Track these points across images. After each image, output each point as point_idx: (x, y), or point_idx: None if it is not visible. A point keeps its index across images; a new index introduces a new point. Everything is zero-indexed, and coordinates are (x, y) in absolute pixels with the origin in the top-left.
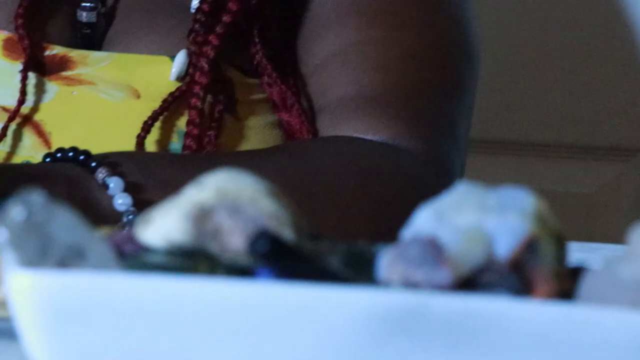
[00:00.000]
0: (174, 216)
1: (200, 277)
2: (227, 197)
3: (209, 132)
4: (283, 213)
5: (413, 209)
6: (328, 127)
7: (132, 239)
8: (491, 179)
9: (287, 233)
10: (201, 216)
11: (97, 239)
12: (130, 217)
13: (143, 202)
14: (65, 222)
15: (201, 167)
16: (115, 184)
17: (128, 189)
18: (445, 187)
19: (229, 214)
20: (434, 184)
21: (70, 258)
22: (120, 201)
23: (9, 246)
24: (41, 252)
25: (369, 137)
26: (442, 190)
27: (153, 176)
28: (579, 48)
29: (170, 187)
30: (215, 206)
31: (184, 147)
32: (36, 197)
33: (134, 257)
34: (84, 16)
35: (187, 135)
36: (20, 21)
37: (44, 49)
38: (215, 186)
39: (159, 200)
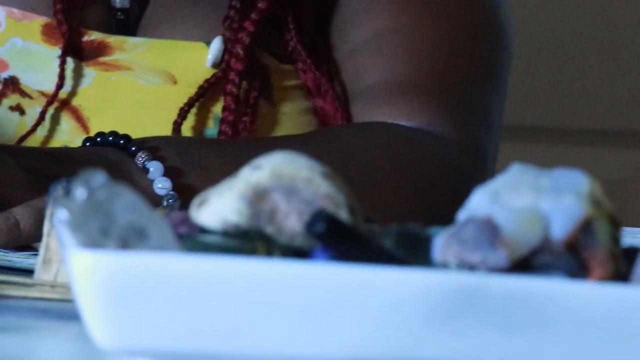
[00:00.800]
0: (229, 197)
1: (259, 258)
2: (283, 179)
3: (244, 118)
4: (338, 194)
5: (447, 194)
6: (362, 113)
7: (186, 220)
8: None
9: (342, 214)
10: (257, 197)
11: (157, 219)
12: (170, 201)
13: (182, 186)
14: (126, 202)
15: (239, 152)
16: (155, 168)
17: (167, 173)
18: (478, 172)
19: (285, 195)
20: (467, 169)
21: (131, 238)
22: (160, 185)
23: (71, 226)
24: (103, 232)
25: (402, 123)
26: (475, 175)
27: (192, 161)
28: (607, 35)
29: (208, 171)
30: (271, 187)
31: (220, 132)
32: (97, 178)
33: (189, 238)
34: (117, 2)
35: (222, 121)
36: (58, 6)
37: (82, 35)
38: (270, 168)
39: (198, 185)
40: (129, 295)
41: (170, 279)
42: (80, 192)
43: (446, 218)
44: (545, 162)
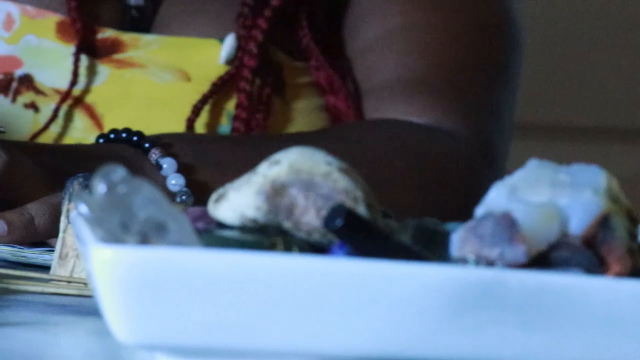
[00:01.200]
0: (247, 193)
1: (278, 253)
2: (301, 174)
3: (257, 116)
4: (356, 190)
5: (458, 190)
6: (374, 110)
7: (204, 216)
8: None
9: (360, 209)
10: (275, 192)
11: (177, 214)
12: (183, 197)
13: (195, 183)
14: (146, 197)
15: (252, 149)
16: (168, 164)
17: (181, 169)
18: (489, 169)
19: (303, 191)
20: (477, 165)
21: (151, 232)
22: (173, 182)
23: (91, 221)
24: (123, 226)
25: (414, 119)
26: (486, 171)
27: (206, 157)
28: (619, 31)
29: (222, 168)
30: (289, 182)
31: (233, 130)
32: (117, 173)
33: (208, 233)
34: None
35: (235, 118)
36: (72, 4)
37: (96, 32)
38: (288, 163)
39: (211, 181)
40: (148, 290)
41: (190, 274)
42: (100, 187)
43: (457, 213)
44: (555, 159)
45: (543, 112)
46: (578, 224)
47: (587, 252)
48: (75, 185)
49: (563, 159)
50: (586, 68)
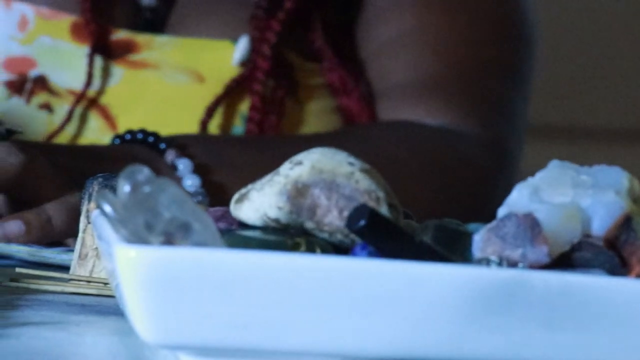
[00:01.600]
0: (269, 193)
1: (302, 254)
2: (323, 174)
3: (270, 117)
4: (378, 191)
5: (471, 191)
6: (387, 111)
7: (226, 216)
8: (543, 164)
9: (383, 210)
10: (297, 193)
11: (202, 214)
12: (199, 198)
13: (211, 184)
14: (171, 197)
15: (267, 150)
16: (184, 165)
17: (197, 170)
18: (503, 169)
19: (325, 191)
20: (492, 167)
21: (176, 232)
22: (189, 182)
23: (115, 221)
24: (147, 226)
25: (428, 121)
26: (499, 172)
27: (221, 158)
28: (633, 33)
29: (236, 168)
30: (312, 183)
31: (246, 131)
32: (142, 173)
33: (230, 233)
34: (145, 0)
35: (249, 119)
36: (87, 5)
37: (110, 33)
38: (311, 163)
39: (226, 182)
40: (172, 290)
41: (214, 274)
42: (125, 187)
43: (471, 214)
44: (571, 161)
45: (556, 113)
46: (600, 225)
47: (610, 253)
48: (95, 186)
49: (578, 160)
50: (600, 70)
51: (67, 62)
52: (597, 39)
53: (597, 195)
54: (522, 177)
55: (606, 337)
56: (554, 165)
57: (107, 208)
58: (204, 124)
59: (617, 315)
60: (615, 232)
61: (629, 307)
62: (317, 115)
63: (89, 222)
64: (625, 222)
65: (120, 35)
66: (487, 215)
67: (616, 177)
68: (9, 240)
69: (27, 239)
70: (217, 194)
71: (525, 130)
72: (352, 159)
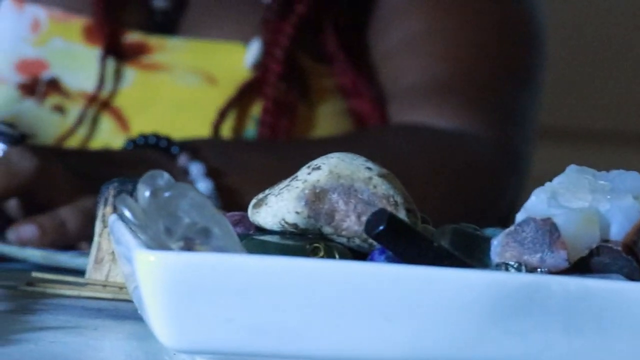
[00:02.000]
0: (287, 198)
1: (321, 259)
2: (342, 179)
3: (282, 120)
4: (396, 195)
5: (483, 194)
6: (398, 114)
7: (243, 220)
8: (553, 167)
9: (401, 214)
10: (315, 198)
11: (221, 219)
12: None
13: (223, 187)
14: (191, 202)
15: (280, 154)
16: (196, 169)
17: (209, 174)
18: (513, 172)
19: (343, 196)
20: (502, 170)
21: (196, 237)
22: (201, 186)
23: (134, 225)
24: (167, 231)
25: (438, 124)
26: (510, 175)
27: (233, 162)
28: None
29: (249, 172)
30: (330, 188)
31: (258, 134)
32: (163, 178)
33: (248, 238)
34: (157, 3)
35: (261, 123)
36: (99, 7)
37: (122, 35)
38: (329, 168)
39: (239, 185)
40: (192, 295)
41: (233, 279)
42: (145, 192)
43: (481, 217)
44: (581, 164)
45: (566, 115)
46: (618, 229)
47: (628, 258)
48: (111, 190)
49: (588, 163)
50: (611, 73)
51: (79, 64)
52: (608, 41)
53: (615, 200)
54: (532, 180)
55: (625, 342)
56: (572, 170)
57: (127, 213)
58: (216, 126)
59: (636, 320)
60: (633, 237)
61: None
62: (328, 117)
63: (105, 227)
64: None
65: (133, 37)
66: (496, 216)
67: (634, 182)
68: (23, 243)
69: (41, 243)
70: (229, 198)
71: (535, 131)
72: (370, 164)
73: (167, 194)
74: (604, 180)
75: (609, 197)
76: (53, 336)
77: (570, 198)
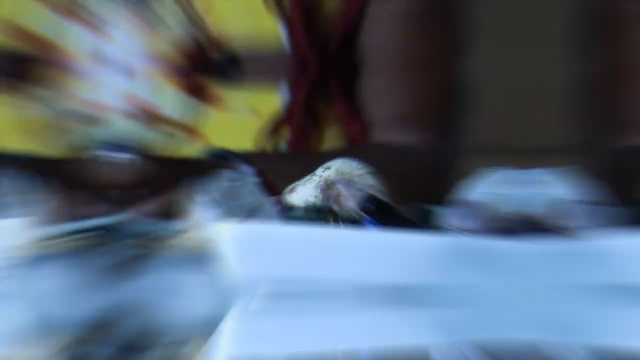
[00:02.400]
0: (309, 187)
1: (329, 226)
2: (344, 175)
3: (302, 142)
4: (379, 185)
5: (428, 185)
6: (378, 135)
7: (279, 202)
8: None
9: (382, 198)
10: (327, 187)
11: (266, 201)
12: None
13: (265, 183)
14: (249, 189)
15: (301, 163)
16: (249, 170)
17: (257, 174)
18: (448, 173)
19: (345, 185)
20: (441, 169)
21: (251, 213)
22: (252, 181)
23: (216, 206)
24: (234, 209)
25: (402, 141)
26: (445, 175)
27: (271, 167)
28: None
29: (280, 174)
30: (336, 180)
31: (287, 150)
32: (234, 174)
33: (282, 212)
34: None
35: (288, 142)
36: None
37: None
38: (335, 168)
39: (274, 182)
40: (250, 250)
41: (274, 241)
42: (222, 183)
43: (426, 200)
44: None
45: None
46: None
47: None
48: (221, 182)
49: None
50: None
51: (169, 100)
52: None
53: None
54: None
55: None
56: (501, 172)
57: (215, 196)
58: (260, 146)
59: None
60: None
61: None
62: (330, 138)
63: (198, 206)
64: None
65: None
66: (437, 199)
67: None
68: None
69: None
70: (268, 190)
71: (469, 143)
72: (362, 165)
73: (237, 184)
74: (529, 175)
75: (526, 186)
76: (159, 275)
77: (500, 187)
